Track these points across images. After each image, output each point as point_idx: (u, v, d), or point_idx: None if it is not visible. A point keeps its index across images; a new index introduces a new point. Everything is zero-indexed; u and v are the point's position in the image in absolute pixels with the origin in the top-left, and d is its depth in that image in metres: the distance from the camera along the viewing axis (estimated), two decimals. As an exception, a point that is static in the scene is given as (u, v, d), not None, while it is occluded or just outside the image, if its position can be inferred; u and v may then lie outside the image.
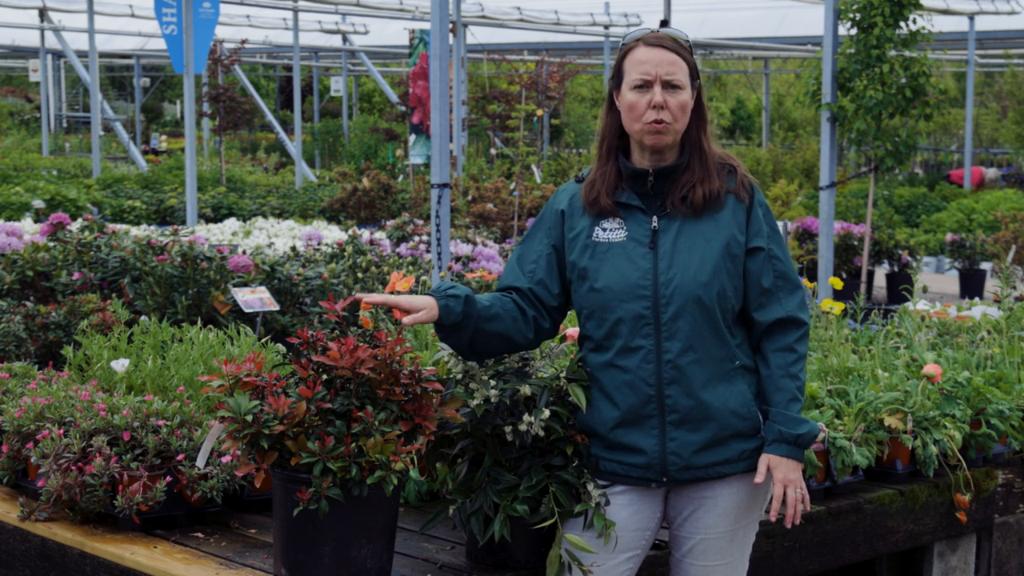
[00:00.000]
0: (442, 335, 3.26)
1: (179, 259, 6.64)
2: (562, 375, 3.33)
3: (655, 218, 3.23)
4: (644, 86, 3.18)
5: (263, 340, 4.84)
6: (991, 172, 23.51)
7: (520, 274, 3.35)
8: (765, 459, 3.20)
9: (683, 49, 3.22)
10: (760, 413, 3.25)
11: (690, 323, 3.16)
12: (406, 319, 3.16)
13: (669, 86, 3.18)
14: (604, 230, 3.26)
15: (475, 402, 3.29)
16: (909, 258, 13.12)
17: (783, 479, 3.19)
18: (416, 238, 10.15)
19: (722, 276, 3.19)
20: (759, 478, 3.19)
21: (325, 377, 3.17)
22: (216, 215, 16.23)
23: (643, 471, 3.23)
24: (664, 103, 3.17)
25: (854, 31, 10.76)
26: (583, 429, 3.31)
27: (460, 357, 3.44)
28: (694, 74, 3.24)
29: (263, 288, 6.38)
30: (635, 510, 3.28)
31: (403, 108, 19.65)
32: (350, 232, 8.76)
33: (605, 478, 3.29)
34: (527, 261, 3.36)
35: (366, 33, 27.79)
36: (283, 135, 25.45)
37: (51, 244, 6.91)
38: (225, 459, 3.79)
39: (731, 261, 3.21)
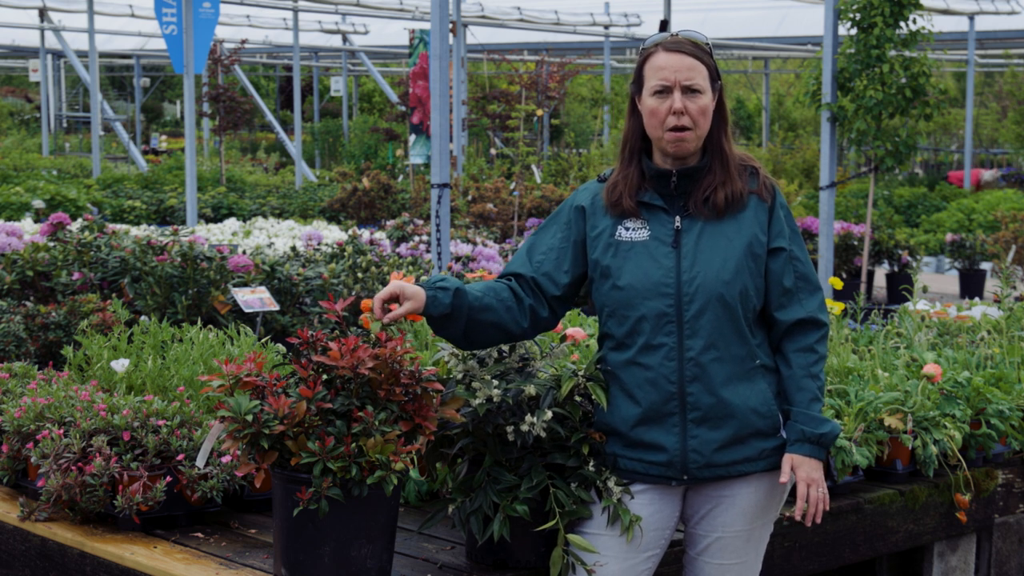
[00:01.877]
0: (434, 327, 3.26)
1: (179, 259, 6.64)
2: (580, 374, 3.33)
3: (678, 218, 3.26)
4: (664, 92, 3.20)
5: (263, 340, 4.84)
6: (988, 175, 23.49)
7: (527, 263, 3.38)
8: (788, 459, 3.23)
9: (703, 52, 3.24)
10: (781, 413, 3.27)
11: (712, 321, 3.19)
12: (386, 317, 3.16)
13: (689, 91, 3.20)
14: (627, 229, 3.29)
15: (477, 401, 3.29)
16: (909, 258, 13.11)
17: (806, 478, 3.23)
18: (416, 238, 10.14)
19: (744, 275, 3.21)
20: (783, 478, 3.22)
21: (325, 377, 3.17)
22: (216, 215, 16.23)
23: (664, 469, 3.24)
24: (684, 109, 3.19)
25: (854, 31, 10.76)
26: (602, 427, 3.32)
27: (460, 357, 3.44)
28: (714, 76, 3.25)
29: (263, 288, 6.38)
30: (656, 509, 3.29)
31: (403, 108, 19.65)
32: (350, 232, 8.76)
33: (624, 476, 3.30)
34: (537, 252, 3.38)
35: (366, 33, 27.79)
36: (283, 135, 25.45)
37: (51, 244, 6.91)
38: (225, 459, 3.79)
39: (753, 261, 3.23)
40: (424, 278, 6.78)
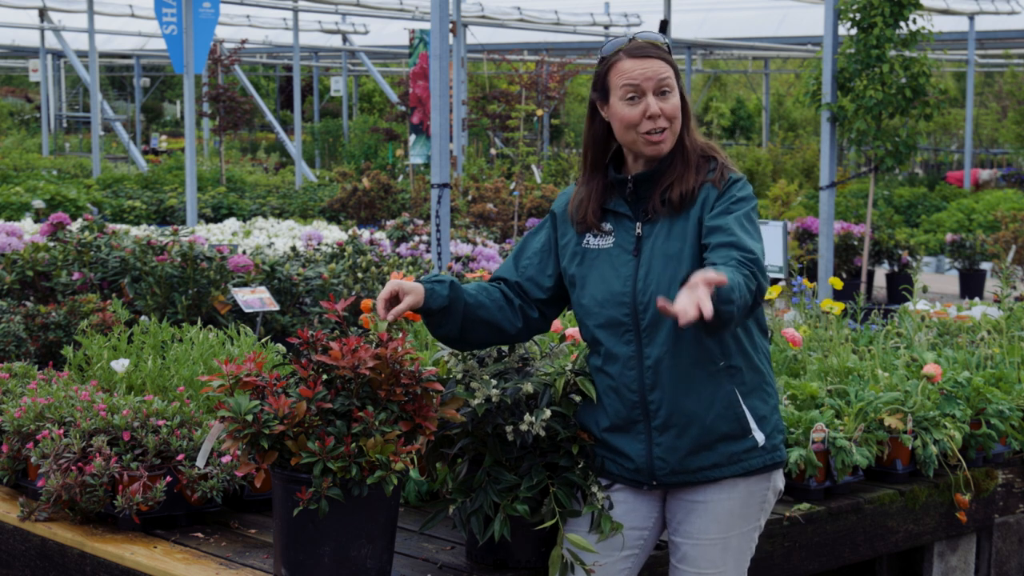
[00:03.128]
0: (432, 324, 3.26)
1: (179, 259, 6.64)
2: (568, 369, 3.34)
3: (639, 224, 3.24)
4: (636, 97, 3.18)
5: (263, 340, 4.84)
6: (985, 174, 23.50)
7: (513, 268, 3.40)
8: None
9: (665, 52, 3.23)
10: (748, 410, 3.22)
11: (669, 328, 3.14)
12: (390, 315, 3.16)
13: (660, 93, 3.19)
14: (594, 236, 3.29)
15: (476, 401, 3.29)
16: (909, 258, 13.11)
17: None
18: (416, 238, 10.14)
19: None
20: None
21: (325, 377, 3.17)
22: (216, 215, 16.23)
23: (634, 474, 3.25)
24: (660, 111, 3.18)
25: (854, 31, 10.76)
26: (582, 428, 3.33)
27: (460, 357, 3.45)
28: (677, 74, 3.24)
29: (263, 288, 6.38)
30: (630, 508, 3.30)
31: (403, 108, 19.64)
32: (350, 232, 8.77)
33: (605, 477, 3.31)
34: (523, 257, 3.41)
35: (366, 33, 27.79)
36: (283, 135, 25.45)
37: (51, 244, 6.91)
38: (225, 459, 3.79)
39: (703, 252, 3.15)
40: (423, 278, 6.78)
